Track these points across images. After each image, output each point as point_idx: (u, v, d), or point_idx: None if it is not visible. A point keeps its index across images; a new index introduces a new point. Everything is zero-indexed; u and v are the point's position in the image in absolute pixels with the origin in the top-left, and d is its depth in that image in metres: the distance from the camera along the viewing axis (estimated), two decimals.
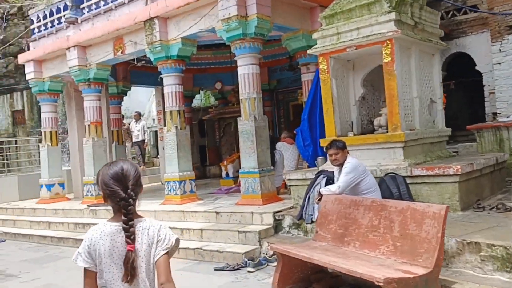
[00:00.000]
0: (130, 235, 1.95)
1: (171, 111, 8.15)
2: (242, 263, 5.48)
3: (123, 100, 12.33)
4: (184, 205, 7.68)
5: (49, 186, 10.37)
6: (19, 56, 10.99)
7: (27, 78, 10.75)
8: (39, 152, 13.79)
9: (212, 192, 9.23)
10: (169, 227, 2.13)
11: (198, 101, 14.97)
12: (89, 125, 9.71)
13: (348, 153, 5.04)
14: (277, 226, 6.19)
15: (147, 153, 15.08)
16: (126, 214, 1.95)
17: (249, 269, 5.32)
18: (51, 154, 10.54)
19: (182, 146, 8.11)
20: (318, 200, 5.03)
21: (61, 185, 10.57)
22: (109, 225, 2.01)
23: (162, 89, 13.51)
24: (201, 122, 14.47)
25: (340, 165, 4.96)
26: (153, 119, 16.00)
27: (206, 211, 6.98)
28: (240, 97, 7.28)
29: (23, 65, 11.28)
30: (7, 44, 17.14)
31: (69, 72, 9.84)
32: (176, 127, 8.08)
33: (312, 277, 4.45)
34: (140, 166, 14.30)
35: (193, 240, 6.55)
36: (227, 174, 10.55)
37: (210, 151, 14.19)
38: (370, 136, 5.94)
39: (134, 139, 14.54)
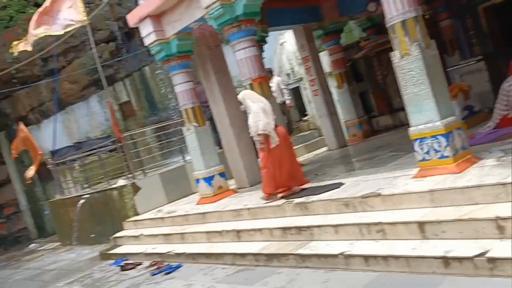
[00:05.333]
0: None
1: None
2: None
3: (264, 51, 9.25)
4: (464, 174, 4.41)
5: (209, 180, 7.62)
6: (128, 17, 8.07)
7: (146, 44, 7.89)
8: (167, 141, 11.41)
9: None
10: None
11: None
12: (250, 84, 6.74)
13: None
14: None
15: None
16: None
17: None
18: (201, 137, 7.70)
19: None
20: None
21: (222, 174, 7.80)
22: None
23: (307, 28, 10.28)
24: (355, 63, 11.09)
25: None
26: (287, 74, 12.80)
27: None
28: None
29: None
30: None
31: (203, 18, 6.91)
32: None
33: None
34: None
35: None
36: None
37: (376, 97, 10.79)
38: None
39: None
